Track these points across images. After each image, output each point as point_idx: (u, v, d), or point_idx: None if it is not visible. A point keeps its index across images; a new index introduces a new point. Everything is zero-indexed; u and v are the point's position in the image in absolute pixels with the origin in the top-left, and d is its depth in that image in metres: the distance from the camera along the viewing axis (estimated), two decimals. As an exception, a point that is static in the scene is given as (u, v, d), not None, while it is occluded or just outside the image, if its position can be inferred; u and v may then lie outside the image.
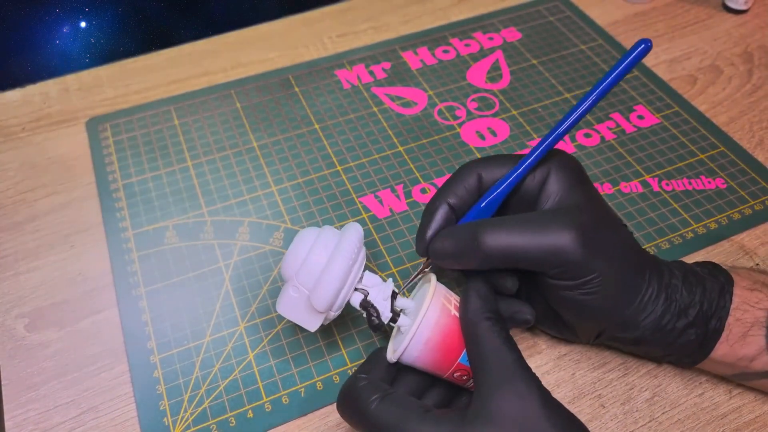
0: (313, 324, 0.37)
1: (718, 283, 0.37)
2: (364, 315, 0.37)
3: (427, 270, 0.39)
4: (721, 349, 0.36)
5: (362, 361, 0.41)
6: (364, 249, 0.38)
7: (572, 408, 0.39)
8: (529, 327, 0.41)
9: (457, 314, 0.35)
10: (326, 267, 0.36)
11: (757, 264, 0.46)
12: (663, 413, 0.39)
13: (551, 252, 0.34)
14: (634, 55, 0.35)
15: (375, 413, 0.32)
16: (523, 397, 0.31)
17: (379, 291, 0.37)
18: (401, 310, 0.37)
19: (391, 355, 0.35)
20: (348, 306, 0.37)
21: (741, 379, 0.38)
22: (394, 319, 0.36)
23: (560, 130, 0.36)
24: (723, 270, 0.38)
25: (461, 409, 0.32)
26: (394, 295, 0.37)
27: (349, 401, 0.34)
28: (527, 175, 0.37)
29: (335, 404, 0.35)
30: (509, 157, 0.38)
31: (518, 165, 0.37)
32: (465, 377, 0.35)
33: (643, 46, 0.35)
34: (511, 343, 0.33)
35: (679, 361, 0.39)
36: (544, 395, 0.31)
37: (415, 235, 0.40)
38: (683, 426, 0.38)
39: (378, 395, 0.32)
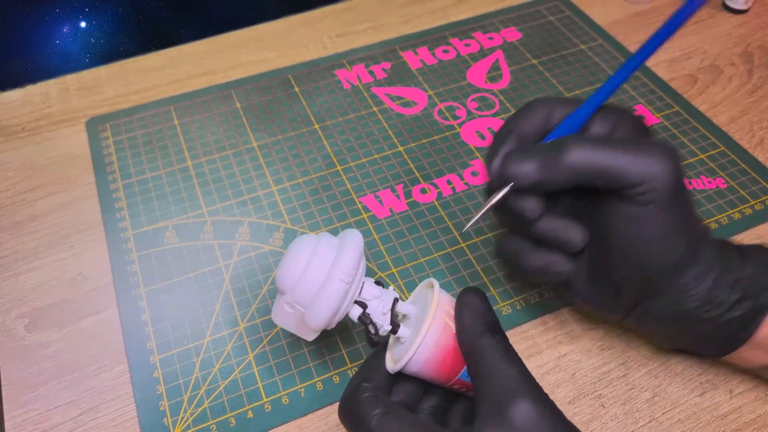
0: (309, 335, 0.37)
1: (766, 260, 0.36)
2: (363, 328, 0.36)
3: (494, 200, 0.35)
4: (765, 330, 0.35)
5: (362, 361, 0.41)
6: (363, 260, 0.36)
7: (572, 408, 0.39)
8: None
9: None
10: (322, 287, 0.34)
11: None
12: (663, 413, 0.39)
13: (645, 166, 0.32)
14: (692, 9, 0.34)
15: (376, 429, 0.31)
16: (529, 416, 0.29)
17: (379, 303, 0.35)
18: (402, 316, 0.36)
19: (391, 366, 0.34)
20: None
21: None
22: (394, 330, 0.35)
23: (623, 74, 0.36)
24: None
25: (460, 428, 0.31)
26: (395, 301, 0.36)
27: (350, 412, 0.33)
28: (593, 121, 0.36)
29: (337, 411, 0.34)
30: (576, 101, 0.37)
31: (586, 103, 0.36)
32: (464, 390, 0.34)
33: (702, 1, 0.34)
34: (511, 356, 0.31)
35: (713, 348, 0.37)
36: (551, 413, 0.30)
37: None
38: (684, 426, 0.38)
39: (379, 411, 0.32)
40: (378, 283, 0.37)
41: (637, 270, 0.35)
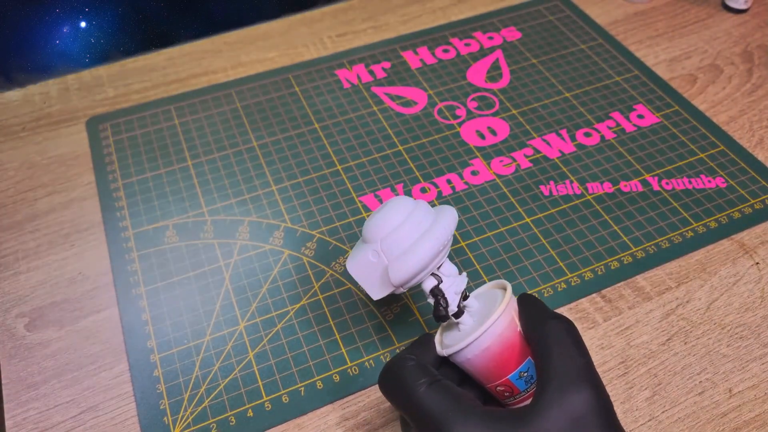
0: (379, 293, 0.36)
1: None
2: (431, 301, 0.36)
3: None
4: None
5: (362, 360, 0.41)
6: (451, 238, 0.36)
7: (572, 407, 0.39)
8: None
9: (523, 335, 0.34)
10: (415, 244, 0.34)
11: (757, 263, 0.46)
12: (663, 412, 0.39)
13: None
14: None
15: (422, 397, 0.31)
16: (590, 407, 0.29)
17: (453, 283, 0.36)
18: (465, 307, 0.36)
19: (441, 348, 0.35)
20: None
21: None
22: (458, 315, 0.35)
23: None
24: None
25: (512, 409, 0.31)
26: (464, 292, 0.36)
27: (395, 380, 0.33)
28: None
29: (377, 381, 0.34)
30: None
31: None
32: (507, 394, 0.34)
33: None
34: (581, 345, 0.32)
35: None
36: (608, 409, 0.30)
37: None
38: (683, 425, 0.38)
39: (426, 379, 0.32)
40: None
41: None
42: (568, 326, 0.32)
